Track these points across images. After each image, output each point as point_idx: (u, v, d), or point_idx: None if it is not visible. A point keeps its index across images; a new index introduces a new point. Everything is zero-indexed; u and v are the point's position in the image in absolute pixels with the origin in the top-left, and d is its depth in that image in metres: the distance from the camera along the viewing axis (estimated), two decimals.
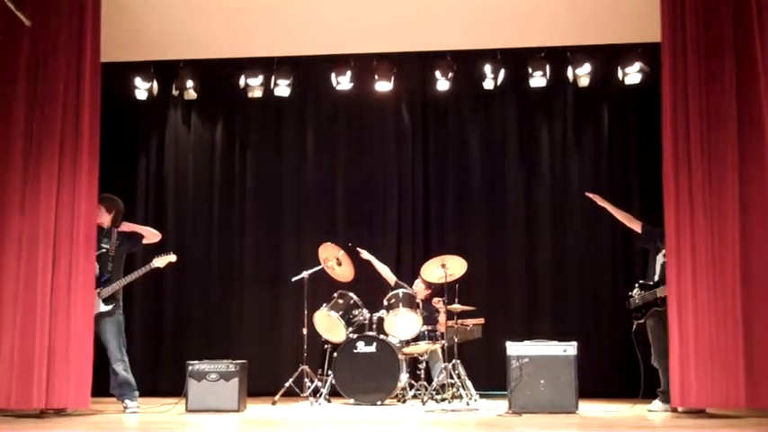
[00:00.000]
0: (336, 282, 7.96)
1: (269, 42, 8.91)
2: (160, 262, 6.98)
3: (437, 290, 7.93)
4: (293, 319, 8.43)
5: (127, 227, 7.07)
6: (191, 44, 8.96)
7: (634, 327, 7.01)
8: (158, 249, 7.34)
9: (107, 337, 6.77)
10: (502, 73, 8.83)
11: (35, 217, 6.40)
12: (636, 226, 7.29)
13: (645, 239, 7.22)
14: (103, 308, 6.72)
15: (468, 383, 7.44)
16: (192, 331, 9.09)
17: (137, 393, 6.89)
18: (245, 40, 8.84)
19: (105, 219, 6.94)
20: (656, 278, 6.91)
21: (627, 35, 8.69)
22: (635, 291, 7.03)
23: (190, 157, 9.54)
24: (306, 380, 7.62)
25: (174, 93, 9.27)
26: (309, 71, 9.29)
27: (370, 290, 8.09)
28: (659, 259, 6.94)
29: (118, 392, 6.83)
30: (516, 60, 8.89)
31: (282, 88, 9.06)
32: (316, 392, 7.43)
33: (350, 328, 7.50)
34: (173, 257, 7.04)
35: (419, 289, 8.01)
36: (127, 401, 6.79)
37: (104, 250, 6.86)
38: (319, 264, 7.88)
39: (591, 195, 7.48)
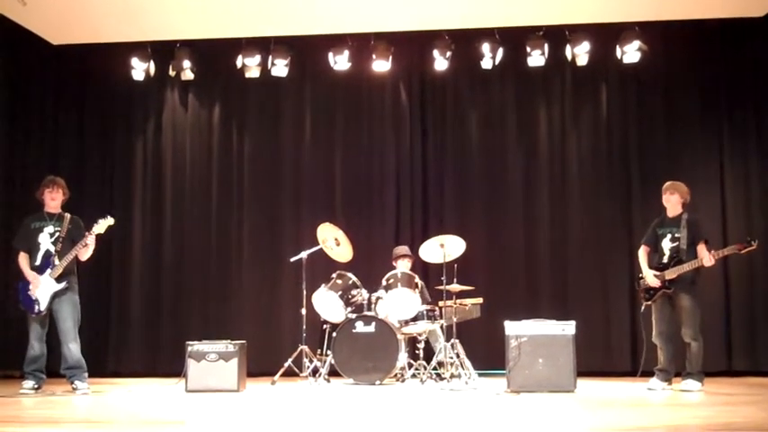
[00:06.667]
0: (335, 262, 7.96)
1: (266, 22, 8.87)
2: (99, 228, 6.82)
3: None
4: (292, 299, 8.44)
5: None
6: (187, 24, 8.93)
7: (643, 307, 7.01)
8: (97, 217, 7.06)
9: (64, 316, 6.73)
10: (500, 52, 8.80)
11: None
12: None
13: (648, 238, 7.14)
14: (57, 286, 6.72)
15: (467, 363, 7.45)
16: (191, 312, 9.10)
17: (86, 374, 6.84)
18: (242, 19, 8.80)
19: (59, 202, 6.96)
20: (665, 260, 6.89)
21: (625, 13, 8.66)
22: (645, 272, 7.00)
23: (187, 138, 9.50)
24: (305, 360, 7.63)
25: (171, 73, 9.23)
26: (307, 51, 9.24)
27: (368, 270, 8.09)
28: (666, 243, 6.92)
29: (69, 373, 6.77)
30: (514, 39, 8.85)
31: (280, 68, 9.03)
32: (315, 372, 7.46)
33: (348, 308, 7.52)
34: (110, 220, 6.89)
35: None
36: (77, 382, 6.74)
37: (55, 232, 6.86)
38: (317, 244, 7.87)
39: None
